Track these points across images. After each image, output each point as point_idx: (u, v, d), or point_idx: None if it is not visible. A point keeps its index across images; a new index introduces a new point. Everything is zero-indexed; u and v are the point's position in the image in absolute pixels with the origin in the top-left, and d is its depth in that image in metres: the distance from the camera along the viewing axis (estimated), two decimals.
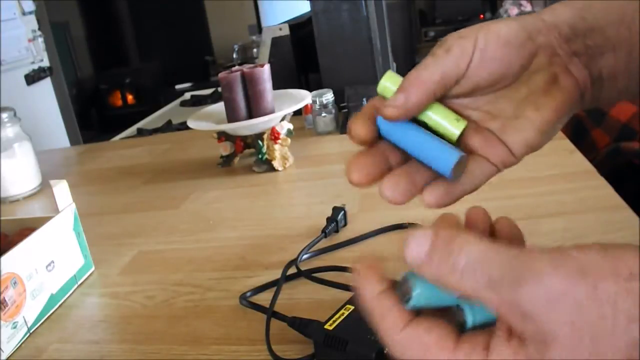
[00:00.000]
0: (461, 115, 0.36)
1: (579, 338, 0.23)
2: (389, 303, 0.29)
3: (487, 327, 0.27)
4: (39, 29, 2.32)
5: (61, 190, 0.71)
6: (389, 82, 0.35)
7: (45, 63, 2.36)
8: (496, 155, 0.36)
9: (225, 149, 1.05)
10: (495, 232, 0.32)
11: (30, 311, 0.63)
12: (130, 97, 4.38)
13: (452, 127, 0.35)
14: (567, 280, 0.23)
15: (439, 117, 0.35)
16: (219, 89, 1.35)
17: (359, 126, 0.35)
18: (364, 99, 1.14)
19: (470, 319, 0.27)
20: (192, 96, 2.84)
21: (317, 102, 1.14)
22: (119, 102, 4.39)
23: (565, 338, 0.23)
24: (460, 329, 0.27)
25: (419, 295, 0.28)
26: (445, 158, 0.33)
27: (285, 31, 1.57)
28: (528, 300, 0.23)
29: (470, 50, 0.33)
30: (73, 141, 2.42)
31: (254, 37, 3.16)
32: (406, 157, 0.36)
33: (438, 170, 0.34)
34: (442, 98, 0.35)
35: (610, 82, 0.36)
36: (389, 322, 0.28)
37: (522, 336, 0.25)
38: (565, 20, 0.35)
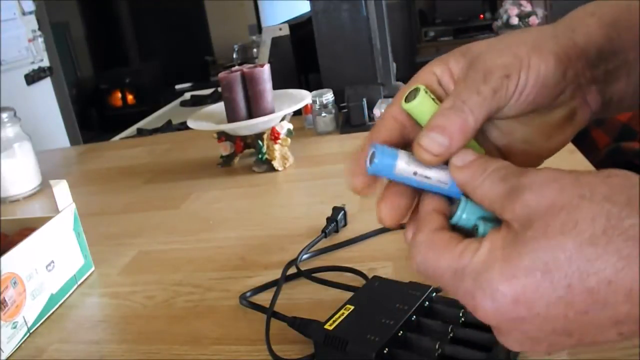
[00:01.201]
0: None
1: (558, 209, 0.26)
2: (430, 215, 0.32)
3: None
4: (39, 29, 2.32)
5: (61, 190, 0.71)
6: (424, 106, 0.33)
7: (45, 63, 2.37)
8: None
9: (225, 149, 1.06)
10: None
11: (30, 311, 0.63)
12: (130, 97, 4.38)
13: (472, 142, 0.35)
14: (558, 172, 0.28)
15: None
16: (219, 89, 1.35)
17: (355, 179, 0.33)
18: (364, 99, 1.14)
19: (481, 230, 0.30)
20: (192, 96, 2.84)
21: (317, 102, 1.14)
22: (119, 102, 4.40)
23: (546, 209, 0.26)
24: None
25: (462, 210, 0.31)
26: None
27: (285, 31, 1.57)
28: (525, 182, 0.28)
29: (512, 92, 0.32)
30: (73, 141, 2.42)
31: (254, 37, 3.16)
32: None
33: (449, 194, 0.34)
34: None
35: (617, 105, 0.36)
36: (420, 226, 0.31)
37: (509, 221, 0.28)
38: (595, 42, 0.33)
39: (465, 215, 0.31)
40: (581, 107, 0.35)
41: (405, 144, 0.34)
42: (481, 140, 0.36)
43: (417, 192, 0.33)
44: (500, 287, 0.26)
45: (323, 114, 1.15)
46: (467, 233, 0.31)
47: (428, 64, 0.36)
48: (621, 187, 0.25)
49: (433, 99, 0.33)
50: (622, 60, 0.34)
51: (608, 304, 0.24)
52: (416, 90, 0.33)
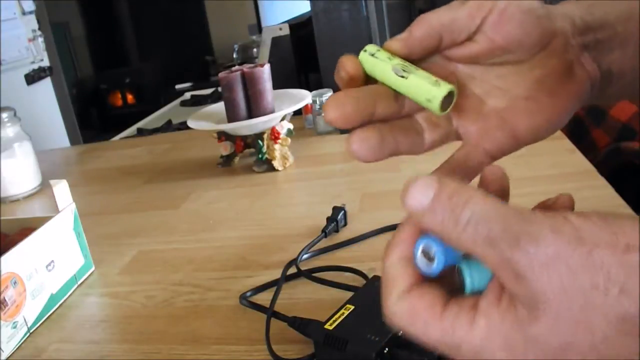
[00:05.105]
0: (466, 88, 0.34)
1: (568, 304, 0.23)
2: (395, 272, 0.28)
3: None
4: (39, 29, 2.32)
5: (61, 190, 0.71)
6: (374, 51, 0.33)
7: (45, 63, 2.36)
8: (495, 142, 0.34)
9: (225, 148, 1.05)
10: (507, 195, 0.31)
11: (30, 311, 0.63)
12: (130, 97, 4.38)
13: (432, 90, 0.32)
14: (563, 245, 0.23)
15: (416, 80, 0.32)
16: (219, 89, 1.35)
17: (349, 61, 0.33)
18: None
19: (469, 282, 0.27)
20: (192, 96, 2.84)
21: (317, 102, 1.14)
22: (119, 102, 4.39)
23: (555, 303, 0.23)
24: (461, 292, 0.27)
25: (472, 281, 0.27)
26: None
27: (285, 31, 1.57)
28: (523, 261, 0.23)
29: (488, 7, 0.32)
30: (73, 141, 2.42)
31: (254, 37, 3.16)
32: (395, 110, 0.34)
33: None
34: (452, 57, 0.34)
35: (618, 79, 0.36)
36: (389, 291, 0.28)
37: (513, 297, 0.24)
38: (576, 14, 0.34)
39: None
40: (577, 65, 0.34)
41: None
42: (481, 110, 0.34)
43: (373, 99, 0.33)
44: None
45: (323, 114, 1.15)
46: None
47: None
48: None
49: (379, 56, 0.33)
50: (611, 32, 0.35)
51: None
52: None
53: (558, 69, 0.34)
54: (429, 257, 0.27)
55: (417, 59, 0.34)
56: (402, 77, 0.32)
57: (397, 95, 0.33)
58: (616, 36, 0.35)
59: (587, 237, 0.23)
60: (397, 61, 0.33)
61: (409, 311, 0.27)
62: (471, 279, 0.27)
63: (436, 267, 0.27)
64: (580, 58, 0.34)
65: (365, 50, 0.33)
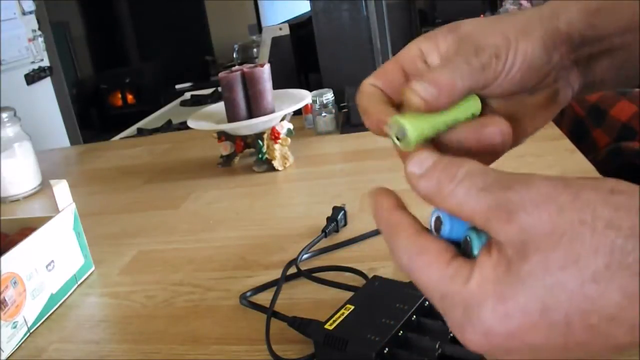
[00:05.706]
0: None
1: (557, 240, 0.24)
2: (401, 215, 0.30)
3: None
4: (39, 28, 2.32)
5: (61, 190, 0.71)
6: (415, 132, 0.31)
7: (45, 63, 2.36)
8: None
9: (225, 148, 1.06)
10: None
11: (30, 311, 0.63)
12: (130, 97, 4.38)
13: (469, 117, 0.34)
14: (552, 187, 0.25)
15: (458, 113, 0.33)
16: (219, 89, 1.35)
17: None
18: None
19: (477, 246, 0.27)
20: (192, 96, 2.84)
21: (317, 102, 1.14)
22: (119, 102, 4.39)
23: (544, 240, 0.24)
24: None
25: (479, 245, 0.28)
26: None
27: (285, 31, 1.57)
28: (515, 200, 0.25)
29: (499, 71, 0.32)
30: (73, 141, 2.42)
31: (254, 37, 3.16)
32: None
33: None
34: None
35: (599, 86, 0.37)
36: (398, 229, 0.29)
37: (502, 245, 0.25)
38: (578, 29, 0.34)
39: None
40: (564, 88, 0.36)
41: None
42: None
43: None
44: (493, 325, 0.25)
45: (323, 114, 1.15)
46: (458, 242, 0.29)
47: (415, 40, 0.36)
48: (626, 210, 0.23)
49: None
50: (607, 44, 0.35)
51: (610, 336, 0.23)
52: (400, 126, 0.32)
53: (544, 99, 0.35)
54: (438, 229, 0.29)
55: None
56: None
57: None
58: (610, 46, 0.35)
59: (574, 183, 0.25)
60: (441, 128, 0.32)
61: (420, 250, 0.28)
62: (479, 243, 0.28)
63: (442, 233, 0.28)
64: (569, 77, 0.35)
65: (412, 142, 0.31)
